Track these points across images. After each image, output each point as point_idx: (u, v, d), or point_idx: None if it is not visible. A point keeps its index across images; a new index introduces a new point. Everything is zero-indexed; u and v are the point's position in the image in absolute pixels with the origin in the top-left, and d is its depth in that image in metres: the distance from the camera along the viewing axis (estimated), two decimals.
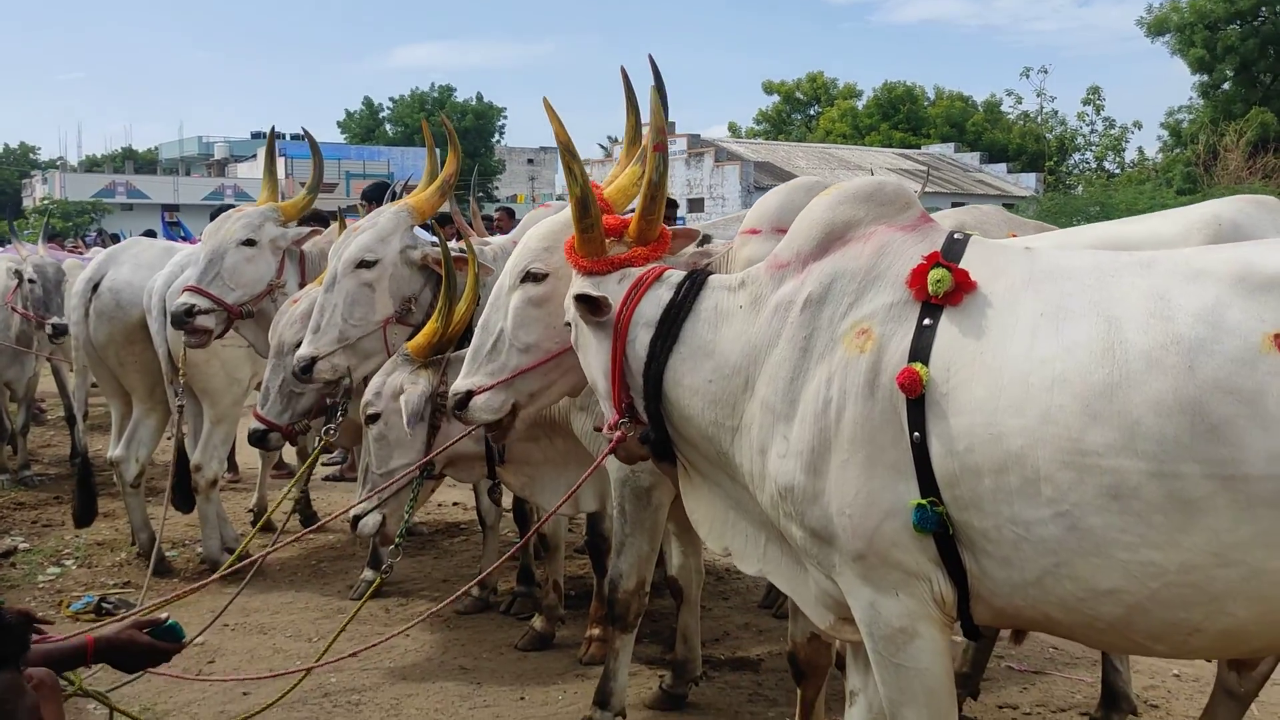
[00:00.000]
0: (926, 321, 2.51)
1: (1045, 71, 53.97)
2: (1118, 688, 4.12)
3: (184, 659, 4.96)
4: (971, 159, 50.27)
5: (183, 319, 5.01)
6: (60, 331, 7.91)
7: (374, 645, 4.24)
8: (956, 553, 2.46)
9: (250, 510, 7.57)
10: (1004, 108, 55.55)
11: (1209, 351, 2.24)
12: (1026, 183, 46.84)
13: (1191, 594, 2.29)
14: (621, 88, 3.44)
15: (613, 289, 2.91)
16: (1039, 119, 53.10)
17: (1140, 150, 50.97)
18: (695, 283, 2.84)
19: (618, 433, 2.91)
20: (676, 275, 2.89)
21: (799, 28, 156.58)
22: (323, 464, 9.22)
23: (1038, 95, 54.56)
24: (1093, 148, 50.17)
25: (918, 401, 2.45)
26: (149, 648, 2.65)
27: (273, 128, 5.92)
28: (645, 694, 4.52)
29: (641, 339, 2.82)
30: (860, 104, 57.71)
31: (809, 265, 2.68)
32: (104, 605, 5.64)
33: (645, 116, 3.32)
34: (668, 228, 3.11)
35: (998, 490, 2.37)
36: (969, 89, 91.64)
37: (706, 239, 4.32)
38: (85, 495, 6.66)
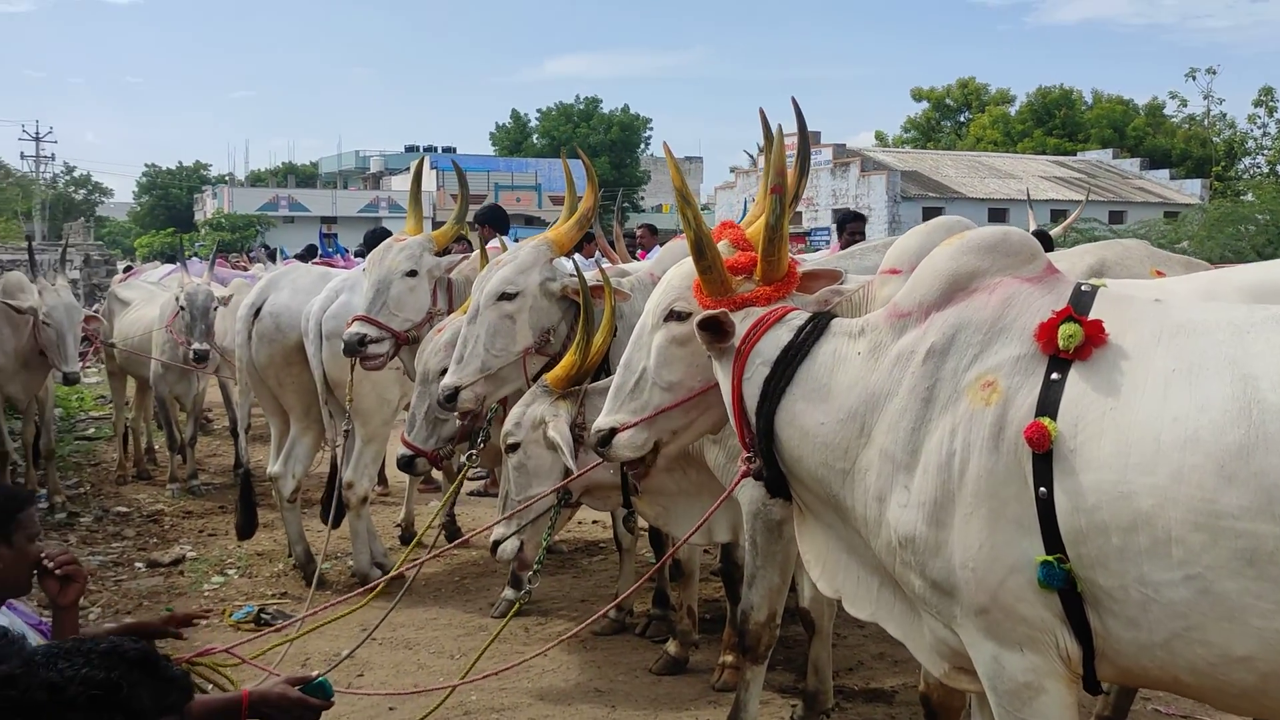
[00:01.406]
0: (1054, 375, 2.50)
1: (1213, 72, 51.37)
2: None
3: (335, 671, 5.23)
4: (1131, 165, 48.41)
5: (355, 348, 5.26)
6: (200, 357, 8.47)
7: (514, 666, 4.38)
8: (1082, 610, 2.45)
9: (398, 525, 7.86)
10: (1167, 111, 53.31)
11: None
12: (1191, 189, 44.85)
13: None
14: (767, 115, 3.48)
15: (740, 329, 2.97)
16: (1205, 122, 50.80)
17: None
18: (816, 326, 2.88)
19: (742, 466, 3.01)
20: (800, 317, 2.93)
21: (950, 32, 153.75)
22: (468, 479, 9.51)
23: (1205, 97, 52.05)
24: (1264, 152, 47.64)
25: (1044, 456, 2.44)
26: (300, 704, 2.75)
27: (420, 157, 6.15)
28: None
29: (758, 378, 2.87)
30: (1013, 110, 56.20)
31: (931, 315, 2.69)
32: (263, 615, 5.97)
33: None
34: (799, 270, 3.15)
35: (1125, 549, 2.35)
36: (1130, 92, 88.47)
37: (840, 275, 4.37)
38: (247, 509, 7.04)
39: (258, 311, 6.66)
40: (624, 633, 5.77)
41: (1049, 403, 2.47)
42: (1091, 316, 2.53)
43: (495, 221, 7.86)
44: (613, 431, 3.25)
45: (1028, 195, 17.80)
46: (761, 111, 3.51)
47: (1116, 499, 2.35)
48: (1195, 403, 2.33)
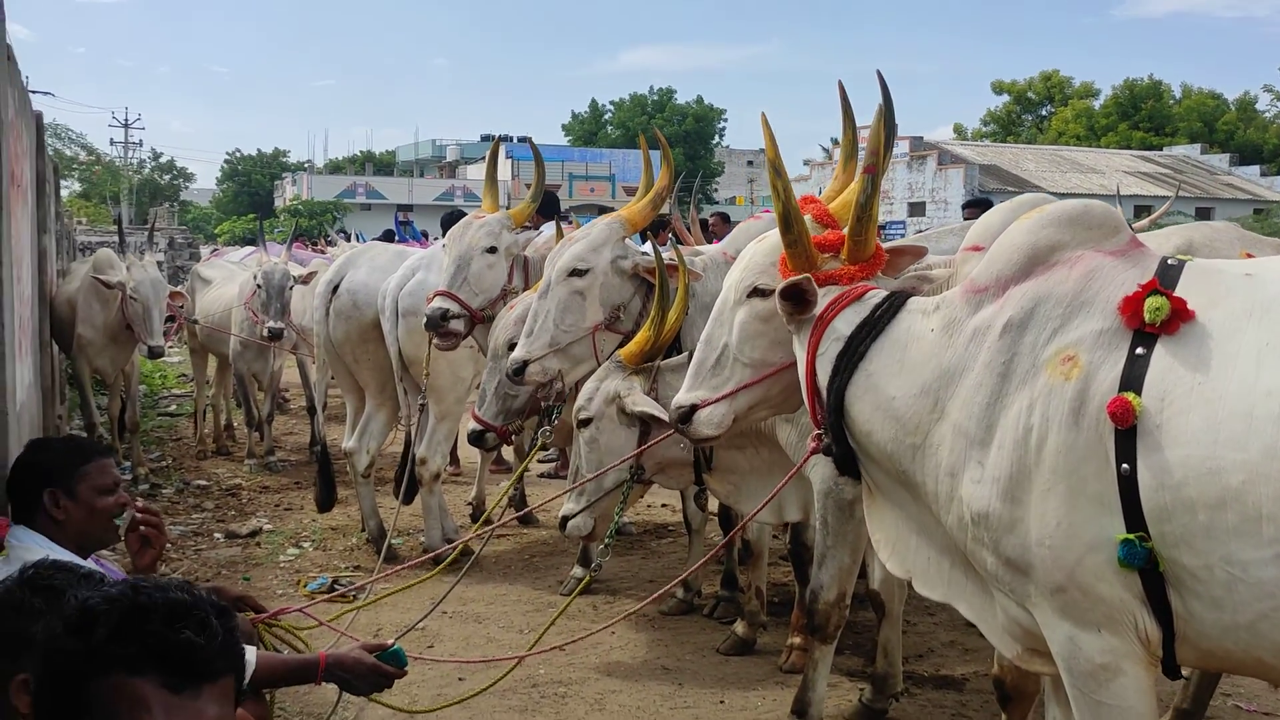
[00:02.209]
0: (1139, 350, 2.44)
1: None
2: None
3: (406, 641, 5.30)
4: (1220, 161, 47.25)
5: (438, 322, 5.31)
6: (274, 335, 8.61)
7: (580, 639, 4.40)
8: (1164, 591, 2.39)
9: (469, 504, 7.94)
10: (1260, 105, 51.98)
11: None
12: None
13: None
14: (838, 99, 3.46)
15: (820, 304, 2.95)
16: None
17: None
18: (893, 304, 2.86)
19: (812, 442, 3.00)
20: (877, 295, 2.91)
21: (1033, 24, 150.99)
22: (539, 461, 9.58)
23: None
24: None
25: (1128, 432, 2.38)
26: (375, 670, 2.79)
27: (496, 139, 6.21)
28: (845, 706, 4.53)
29: (831, 352, 2.86)
30: (1097, 103, 55.11)
31: (1009, 289, 2.64)
32: (336, 586, 6.07)
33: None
34: (884, 247, 3.12)
35: (1212, 527, 2.29)
36: (1221, 86, 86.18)
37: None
38: (326, 483, 7.15)
39: (335, 289, 6.75)
40: (692, 613, 5.77)
41: (1133, 378, 2.41)
42: (1179, 291, 2.47)
43: (545, 207, 7.89)
44: (694, 408, 3.24)
45: (1117, 191, 17.45)
46: (840, 85, 3.48)
47: (1204, 475, 2.29)
48: None
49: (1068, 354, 2.51)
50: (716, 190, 57.78)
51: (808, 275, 2.94)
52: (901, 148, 42.33)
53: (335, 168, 71.53)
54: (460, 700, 4.36)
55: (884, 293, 2.93)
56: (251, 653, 2.68)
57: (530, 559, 6.83)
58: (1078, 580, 2.46)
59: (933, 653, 5.20)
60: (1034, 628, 2.61)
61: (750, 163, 63.81)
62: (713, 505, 5.72)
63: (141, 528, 2.92)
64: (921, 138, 43.89)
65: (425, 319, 5.33)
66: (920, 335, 2.77)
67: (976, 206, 9.30)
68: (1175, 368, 2.39)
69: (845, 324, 2.87)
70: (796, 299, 2.93)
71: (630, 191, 5.17)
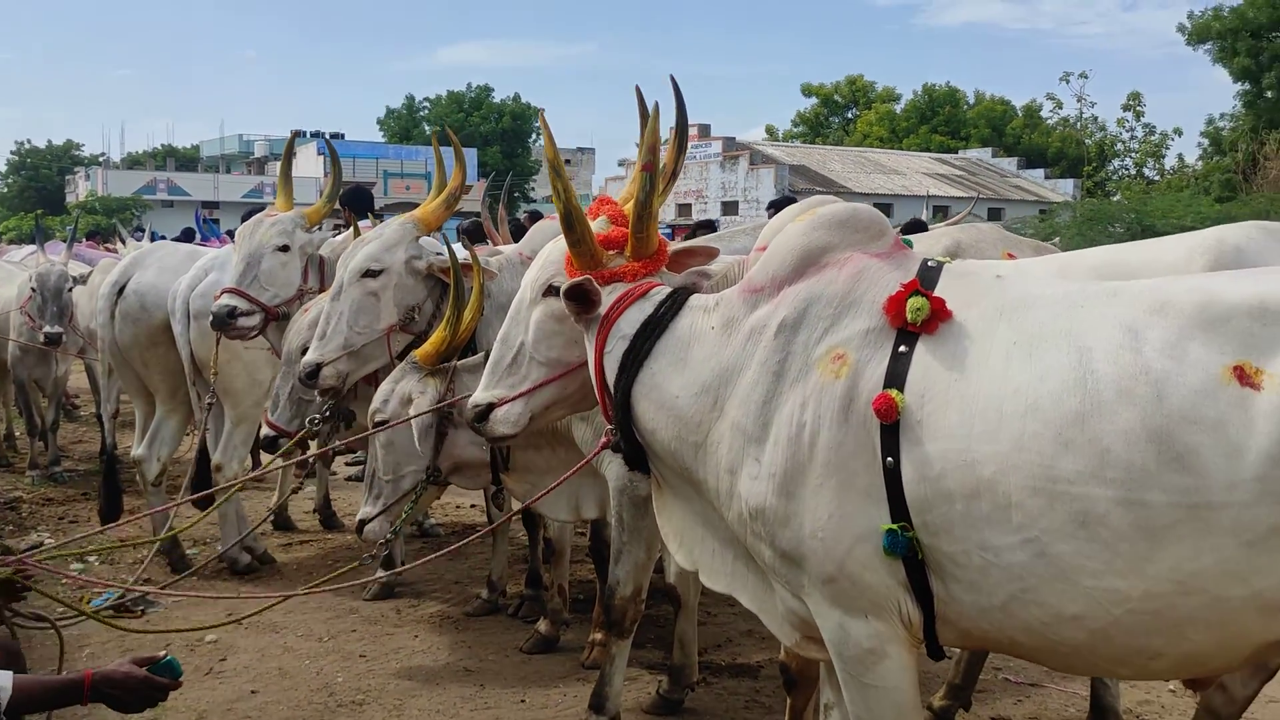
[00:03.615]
0: (902, 348, 2.55)
1: (1085, 76, 53.64)
2: (1106, 703, 4.13)
3: (197, 655, 5.11)
4: (1009, 164, 49.92)
5: (224, 320, 5.16)
6: (51, 340, 8.21)
7: (340, 575, 4.29)
8: (925, 576, 2.51)
9: (271, 509, 7.68)
10: (1044, 113, 55.12)
11: (1174, 383, 2.28)
12: (1065, 189, 46.43)
13: (1154, 621, 2.33)
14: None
15: (605, 301, 2.98)
16: (1078, 124, 52.61)
17: (1180, 158, 50.52)
18: (675, 301, 2.90)
19: (604, 438, 3.03)
20: (661, 293, 2.95)
21: (840, 31, 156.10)
22: (346, 464, 9.36)
23: (1078, 100, 54.01)
24: (1132, 154, 49.64)
25: (892, 427, 2.49)
26: (146, 683, 2.66)
27: (292, 134, 6.04)
28: (644, 699, 4.58)
29: (617, 351, 2.89)
30: (899, 108, 57.43)
31: (783, 290, 2.73)
32: (124, 602, 5.77)
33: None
34: (675, 248, 3.18)
35: (968, 516, 2.41)
36: (1010, 93, 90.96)
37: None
38: (110, 493, 6.82)
39: (121, 290, 6.44)
40: (497, 613, 5.73)
41: (897, 375, 2.52)
42: (938, 292, 2.59)
43: (357, 203, 7.74)
44: (490, 406, 3.22)
45: (926, 194, 18.37)
46: (638, 89, 3.51)
47: (960, 467, 2.41)
48: (1035, 373, 2.40)
49: (838, 353, 2.60)
50: (534, 189, 57.55)
51: (588, 276, 2.96)
52: (715, 148, 43.22)
53: (134, 162, 68.05)
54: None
55: (667, 289, 2.98)
56: (5, 677, 2.52)
57: (333, 565, 6.64)
58: (847, 570, 2.55)
59: (730, 642, 5.32)
60: (809, 616, 2.70)
61: (568, 161, 63.87)
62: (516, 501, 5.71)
63: None
64: (734, 138, 44.85)
65: (211, 317, 5.16)
66: (701, 333, 2.83)
67: (780, 206, 9.53)
68: (934, 366, 2.51)
69: (629, 323, 2.91)
70: (581, 299, 2.95)
71: (466, 190, 5.06)
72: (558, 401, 3.28)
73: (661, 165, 3.30)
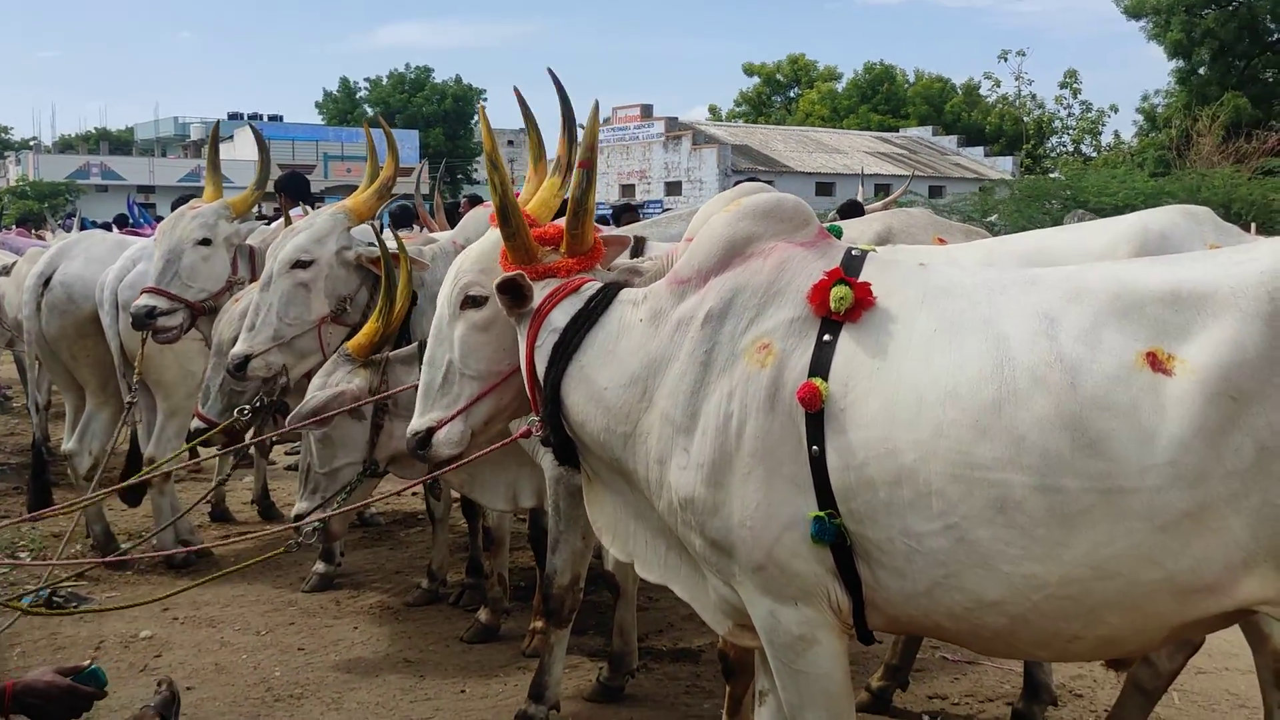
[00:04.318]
0: (826, 337, 2.57)
1: (1023, 54, 54.05)
2: (1039, 679, 4.21)
3: (131, 652, 5.05)
4: (949, 142, 50.37)
5: (144, 320, 5.10)
6: None
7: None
8: (852, 563, 2.54)
9: (208, 501, 7.59)
10: (982, 90, 55.65)
11: (1088, 370, 2.32)
12: (1004, 166, 46.97)
13: (1071, 606, 2.38)
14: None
15: (537, 297, 2.97)
16: (1017, 102, 53.20)
17: (1116, 134, 51.12)
18: (606, 296, 2.91)
19: (524, 428, 3.05)
20: (592, 288, 2.95)
21: (782, 9, 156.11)
22: (285, 453, 9.27)
23: (1016, 78, 54.64)
24: (1070, 131, 50.35)
25: (817, 416, 2.51)
26: (70, 692, 2.61)
27: (217, 123, 5.96)
28: (584, 686, 4.60)
29: (548, 345, 2.89)
30: (840, 86, 57.71)
31: (710, 280, 2.74)
32: (55, 599, 5.68)
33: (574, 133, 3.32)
34: (602, 238, 3.17)
35: (891, 503, 2.45)
36: (950, 71, 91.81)
37: (642, 240, 4.40)
38: (38, 487, 6.71)
39: (47, 281, 6.32)
40: (438, 603, 5.72)
41: (821, 364, 2.55)
42: (860, 279, 2.62)
43: (294, 189, 7.64)
44: (430, 431, 3.16)
45: (861, 171, 18.52)
46: (516, 90, 3.47)
47: (883, 455, 2.44)
48: (954, 361, 2.43)
49: (763, 342, 2.62)
50: (476, 171, 57.14)
51: (521, 272, 2.95)
52: (657, 128, 43.19)
53: (66, 145, 66.68)
54: None
55: (598, 284, 2.98)
56: None
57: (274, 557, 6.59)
58: (775, 558, 2.58)
59: (672, 627, 5.34)
60: (741, 605, 2.73)
61: (510, 142, 63.43)
62: (456, 493, 5.68)
63: None
64: (677, 119, 44.84)
65: (131, 317, 5.09)
66: (629, 326, 2.83)
67: (624, 214, 9.51)
68: (858, 354, 2.53)
69: (561, 316, 2.90)
70: (514, 293, 2.94)
71: (406, 173, 4.99)
72: (496, 413, 3.23)
73: (555, 159, 3.30)
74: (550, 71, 3.14)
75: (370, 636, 5.25)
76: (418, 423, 3.19)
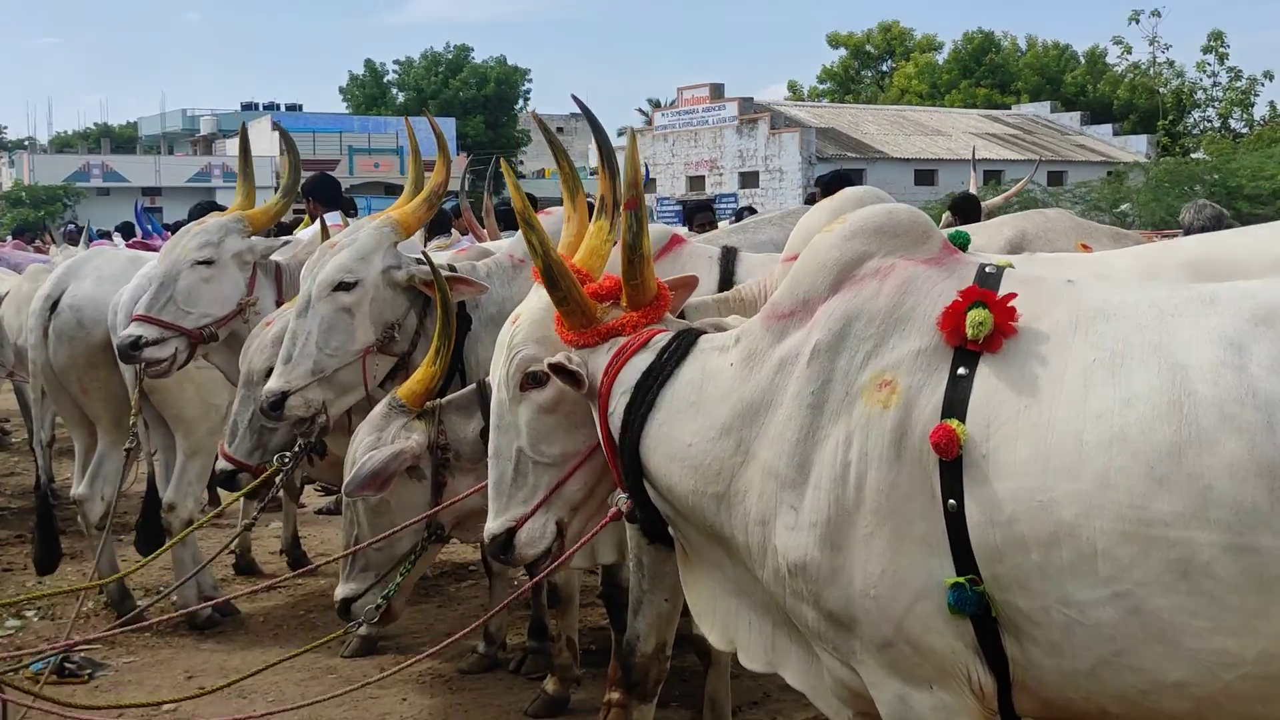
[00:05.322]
0: (961, 370, 2.52)
1: (1158, 15, 53.19)
2: None
3: None
4: (1071, 120, 49.82)
5: (128, 352, 5.13)
6: None
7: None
8: (998, 638, 2.48)
9: (232, 551, 7.68)
10: (1110, 59, 54.96)
11: None
12: (1137, 146, 46.36)
13: (1270, 688, 2.31)
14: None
15: (603, 360, 2.95)
16: (1151, 71, 52.45)
17: (1272, 105, 49.84)
18: (681, 344, 2.89)
19: (613, 509, 3.05)
20: (664, 339, 2.94)
21: None
22: (317, 494, 9.36)
23: (1150, 44, 53.79)
24: (1215, 104, 49.53)
25: (953, 464, 2.46)
26: None
27: (244, 125, 6.01)
28: None
29: (620, 408, 2.88)
30: (941, 57, 57.34)
31: (816, 311, 2.70)
32: (67, 665, 5.77)
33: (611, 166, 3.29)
34: (666, 283, 3.14)
35: (1046, 566, 2.38)
36: (1070, 38, 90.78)
37: (732, 252, 4.36)
38: (45, 537, 6.80)
39: (55, 304, 6.43)
40: (496, 669, 5.72)
41: (956, 402, 2.49)
42: (1000, 300, 2.56)
43: (325, 194, 7.70)
44: (509, 532, 3.12)
45: (973, 154, 18.28)
46: (535, 115, 3.48)
47: (1036, 509, 2.38)
48: (1120, 396, 2.37)
49: (885, 379, 2.57)
50: (523, 162, 57.68)
51: (564, 357, 2.93)
52: (729, 110, 43.19)
53: (64, 144, 68.43)
54: None
55: (670, 334, 2.96)
56: None
57: (306, 615, 6.67)
58: (906, 633, 2.53)
59: (769, 698, 5.29)
60: (862, 689, 2.68)
61: (560, 130, 63.97)
62: None
63: None
64: (752, 99, 44.76)
65: (115, 349, 5.16)
66: (716, 372, 2.81)
67: (832, 187, 9.15)
68: (1000, 389, 2.47)
69: (632, 374, 2.89)
70: (568, 376, 2.93)
71: (426, 167, 4.96)
72: (584, 497, 3.21)
73: (597, 198, 3.25)
74: (575, 98, 3.13)
75: (420, 710, 5.26)
76: (494, 525, 3.15)
